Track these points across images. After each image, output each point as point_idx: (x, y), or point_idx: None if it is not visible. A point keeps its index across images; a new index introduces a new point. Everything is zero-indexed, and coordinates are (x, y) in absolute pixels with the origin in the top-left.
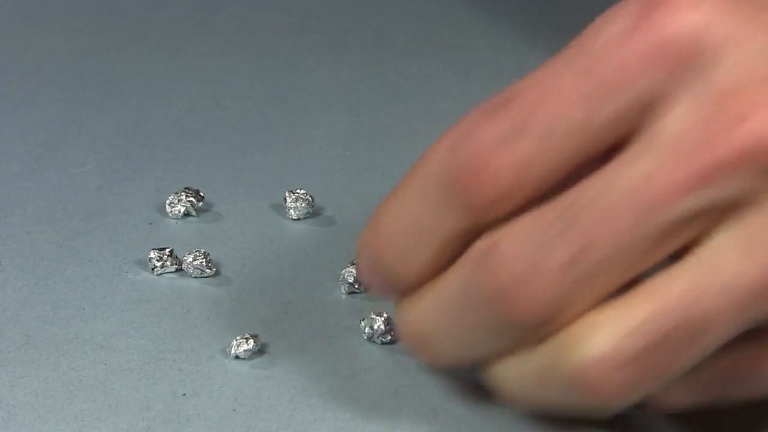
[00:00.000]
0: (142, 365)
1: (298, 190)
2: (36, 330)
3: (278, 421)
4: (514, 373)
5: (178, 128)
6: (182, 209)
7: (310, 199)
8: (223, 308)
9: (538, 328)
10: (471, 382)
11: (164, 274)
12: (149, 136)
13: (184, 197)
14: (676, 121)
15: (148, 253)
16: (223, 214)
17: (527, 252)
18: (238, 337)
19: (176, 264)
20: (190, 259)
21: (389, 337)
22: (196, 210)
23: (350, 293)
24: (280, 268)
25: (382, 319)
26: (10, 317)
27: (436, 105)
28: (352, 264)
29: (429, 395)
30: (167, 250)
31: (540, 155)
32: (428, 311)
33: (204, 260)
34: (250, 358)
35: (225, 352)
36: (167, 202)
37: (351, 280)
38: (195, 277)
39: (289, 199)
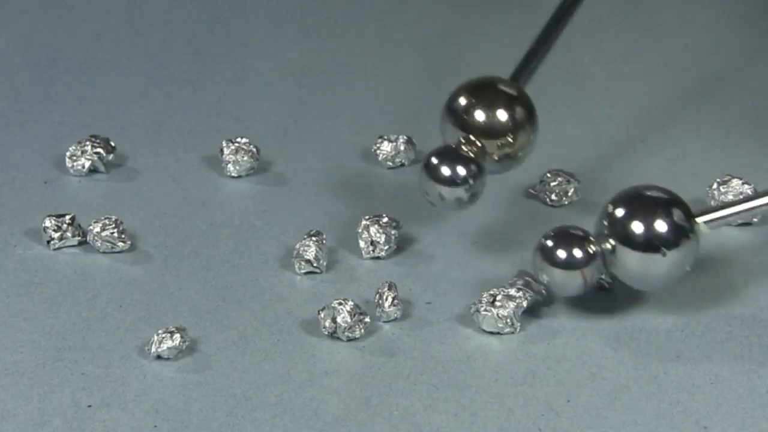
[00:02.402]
0: (34, 368)
1: (238, 139)
2: None
3: None
4: None
5: (81, 57)
6: (87, 164)
7: (254, 150)
8: (141, 293)
9: None
10: (461, 387)
11: (63, 249)
12: (43, 68)
13: (89, 148)
14: None
15: (43, 220)
16: (139, 171)
17: None
18: (159, 331)
19: (79, 235)
20: (98, 229)
21: (358, 332)
22: (105, 165)
23: (307, 274)
24: (214, 241)
25: (348, 308)
26: None
27: (415, 29)
28: (311, 236)
29: (410, 407)
30: (67, 218)
31: None
32: None
33: (115, 230)
34: (176, 358)
35: (143, 351)
36: (67, 154)
37: (309, 256)
38: (104, 252)
39: (226, 151)
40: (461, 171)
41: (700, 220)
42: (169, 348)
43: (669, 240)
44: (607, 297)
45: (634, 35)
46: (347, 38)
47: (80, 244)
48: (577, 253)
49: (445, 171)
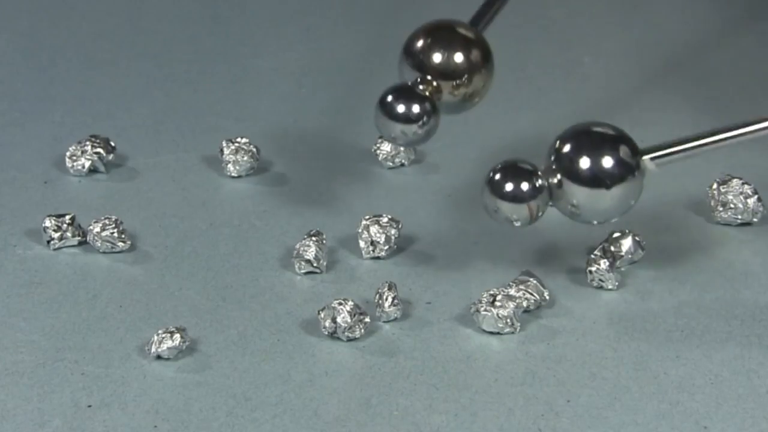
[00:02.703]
0: (34, 368)
1: (238, 139)
2: None
3: None
4: None
5: (81, 57)
6: (87, 164)
7: (254, 150)
8: (141, 293)
9: None
10: (461, 387)
11: (63, 249)
12: (43, 68)
13: (89, 148)
14: None
15: (43, 220)
16: (139, 171)
17: None
18: (159, 331)
19: (79, 235)
20: (98, 229)
21: (358, 332)
22: (105, 165)
23: (307, 274)
24: (214, 241)
25: (348, 308)
26: None
27: (414, 29)
28: (311, 236)
29: (410, 407)
30: (67, 218)
31: None
32: None
33: (115, 230)
34: (176, 358)
35: (143, 351)
36: (67, 154)
37: (309, 256)
38: (104, 252)
39: (227, 151)
40: (416, 108)
41: (646, 157)
42: (169, 348)
43: (614, 175)
44: (607, 297)
45: (634, 35)
46: (347, 38)
47: (80, 244)
48: (524, 186)
49: (401, 108)
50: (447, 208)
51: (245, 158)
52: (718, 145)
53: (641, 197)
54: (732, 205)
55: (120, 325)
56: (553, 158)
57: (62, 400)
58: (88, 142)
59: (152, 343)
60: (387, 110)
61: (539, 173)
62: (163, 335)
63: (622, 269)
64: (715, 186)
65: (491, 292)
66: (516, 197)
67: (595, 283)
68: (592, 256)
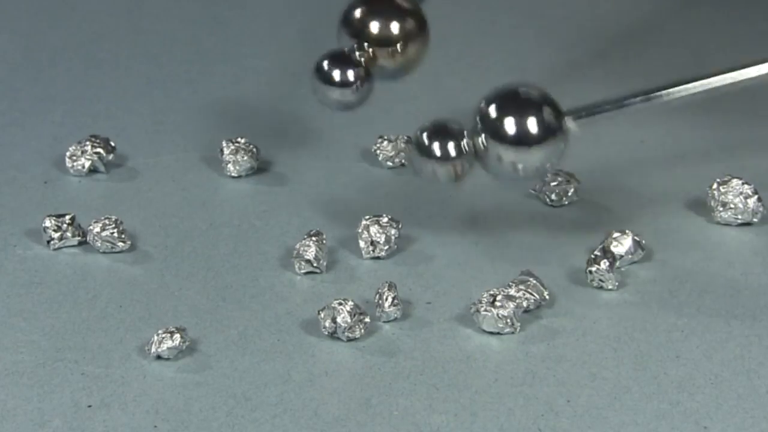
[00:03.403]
0: (34, 368)
1: (238, 139)
2: None
3: None
4: None
5: (81, 57)
6: (87, 164)
7: (254, 150)
8: (141, 293)
9: None
10: (461, 388)
11: (63, 249)
12: (43, 68)
13: (89, 148)
14: None
15: (43, 220)
16: (139, 171)
17: None
18: (159, 331)
19: (79, 235)
20: (98, 229)
21: (358, 332)
22: (105, 165)
23: (307, 274)
24: (214, 241)
25: (348, 308)
26: None
27: None
28: (311, 236)
29: (410, 407)
30: (67, 218)
31: None
32: None
33: (115, 230)
34: (175, 358)
35: (143, 351)
36: (67, 154)
37: (309, 256)
38: (104, 252)
39: (227, 151)
40: (350, 74)
41: (568, 117)
42: (169, 348)
43: (537, 136)
44: (607, 297)
45: (636, 35)
46: None
47: (80, 244)
48: (450, 146)
49: (336, 75)
50: (447, 208)
51: (245, 158)
52: (640, 106)
53: (565, 159)
54: (732, 205)
55: (120, 325)
56: (478, 119)
57: (62, 400)
58: (88, 142)
59: (152, 343)
60: (322, 76)
61: (464, 134)
62: (163, 335)
63: (622, 269)
64: (715, 186)
65: (491, 292)
66: (442, 157)
67: (595, 283)
68: (592, 256)
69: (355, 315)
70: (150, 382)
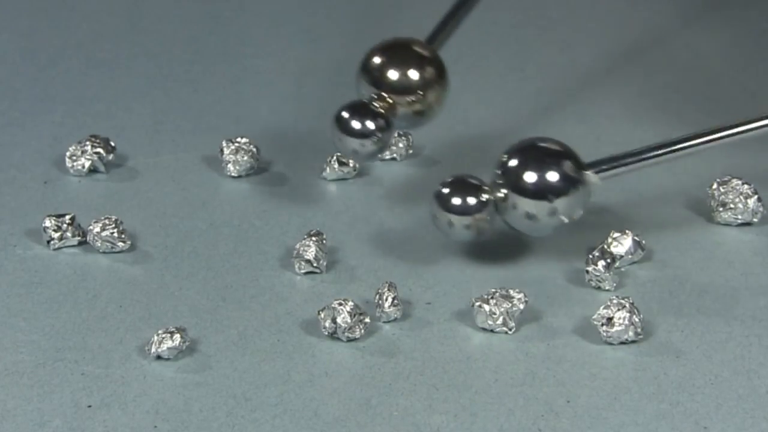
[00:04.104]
0: (34, 368)
1: (238, 139)
2: None
3: None
4: None
5: (81, 57)
6: (87, 164)
7: (254, 150)
8: (141, 293)
9: None
10: (461, 388)
11: (63, 249)
12: (43, 68)
13: (89, 148)
14: None
15: (43, 220)
16: (139, 171)
17: None
18: (159, 332)
19: (79, 235)
20: (98, 229)
21: (358, 332)
22: (104, 165)
23: (307, 274)
24: (214, 241)
25: (348, 308)
26: None
27: (415, 29)
28: (311, 236)
29: (410, 408)
30: (67, 218)
31: None
32: None
33: (115, 230)
34: (176, 358)
35: (143, 351)
36: (67, 154)
37: (309, 256)
38: (104, 252)
39: (226, 151)
40: (370, 125)
41: (590, 171)
42: (169, 348)
43: (558, 189)
44: (606, 297)
45: (634, 35)
46: (347, 38)
47: (80, 244)
48: (471, 200)
49: (355, 125)
50: None
51: (245, 158)
52: (659, 159)
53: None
54: (732, 205)
55: (120, 325)
56: (499, 172)
57: (62, 400)
58: (88, 142)
59: (152, 344)
60: (342, 126)
61: (485, 188)
62: (163, 335)
63: (622, 269)
64: (715, 186)
65: (490, 292)
66: (464, 211)
67: (593, 284)
68: (590, 256)
69: (355, 315)
70: (150, 382)
